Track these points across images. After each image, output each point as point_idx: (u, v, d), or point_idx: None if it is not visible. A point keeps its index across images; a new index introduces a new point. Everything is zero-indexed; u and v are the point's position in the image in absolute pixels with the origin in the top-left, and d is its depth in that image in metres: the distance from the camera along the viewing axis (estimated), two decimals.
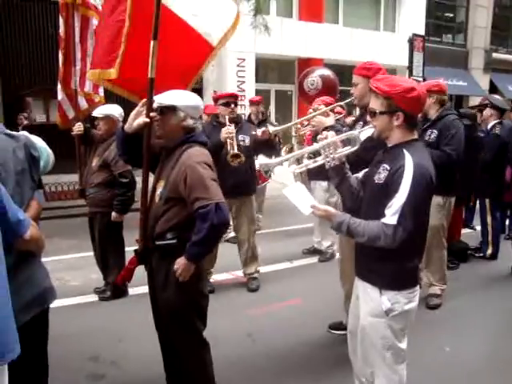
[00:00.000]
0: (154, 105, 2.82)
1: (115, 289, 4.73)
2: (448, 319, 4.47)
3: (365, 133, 3.00)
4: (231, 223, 4.96)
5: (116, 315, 4.48)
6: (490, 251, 6.25)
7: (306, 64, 13.67)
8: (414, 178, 2.26)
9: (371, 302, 2.50)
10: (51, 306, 2.34)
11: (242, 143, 4.71)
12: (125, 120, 3.06)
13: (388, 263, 2.41)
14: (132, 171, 4.59)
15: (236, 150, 4.38)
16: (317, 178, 5.79)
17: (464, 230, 6.88)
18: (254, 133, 4.83)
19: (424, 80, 15.55)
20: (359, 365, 2.74)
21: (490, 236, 6.26)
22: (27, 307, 2.06)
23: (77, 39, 5.47)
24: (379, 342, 2.49)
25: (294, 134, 4.97)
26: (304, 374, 3.53)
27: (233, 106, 4.84)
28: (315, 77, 6.54)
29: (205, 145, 2.88)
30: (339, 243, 4.02)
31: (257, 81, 14.95)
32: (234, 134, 4.45)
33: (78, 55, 5.49)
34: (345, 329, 3.25)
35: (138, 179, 3.33)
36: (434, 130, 4.51)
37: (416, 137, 2.49)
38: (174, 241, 2.71)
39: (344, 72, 12.03)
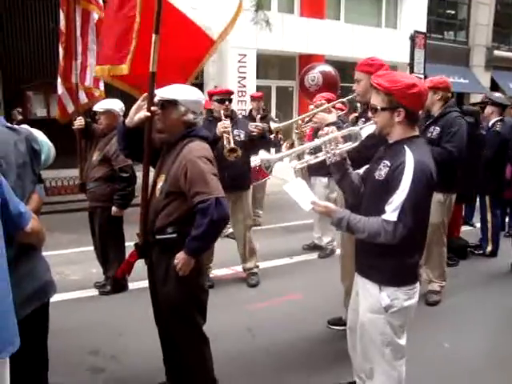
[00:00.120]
0: (156, 99, 2.81)
1: (115, 283, 4.74)
2: (447, 316, 4.48)
3: (367, 129, 3.00)
4: None
5: (116, 309, 4.49)
6: (489, 248, 6.26)
7: (307, 60, 13.66)
8: (415, 175, 2.26)
9: (370, 298, 2.50)
10: (51, 300, 2.35)
11: (237, 138, 4.69)
12: (126, 114, 3.06)
13: (388, 259, 2.41)
14: (132, 166, 4.59)
15: (233, 145, 4.38)
16: (317, 173, 5.79)
17: (464, 227, 6.89)
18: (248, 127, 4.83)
19: (425, 77, 15.52)
20: (358, 361, 2.75)
21: (489, 233, 6.26)
22: (28, 300, 2.07)
23: (78, 33, 5.46)
24: (378, 338, 2.49)
25: (295, 130, 4.97)
26: (303, 369, 3.54)
27: (227, 102, 4.82)
28: (316, 73, 6.53)
29: (206, 139, 2.88)
30: (341, 239, 4.02)
31: (258, 77, 14.93)
32: (230, 129, 4.45)
33: (79, 49, 5.48)
34: (344, 324, 3.27)
35: (139, 174, 3.33)
36: (437, 127, 4.51)
37: (417, 133, 2.49)
38: (175, 235, 2.71)
39: (345, 68, 12.04)
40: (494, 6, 20.51)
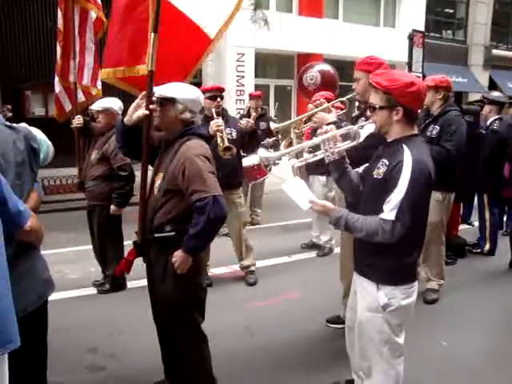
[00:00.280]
0: (154, 96, 2.82)
1: (114, 282, 4.75)
2: (445, 314, 4.49)
3: (367, 129, 3.00)
4: None
5: (115, 308, 4.49)
6: (487, 247, 6.27)
7: (306, 59, 13.67)
8: (413, 174, 2.25)
9: (368, 296, 2.50)
10: (50, 298, 2.35)
11: (229, 136, 4.68)
12: (124, 113, 3.06)
13: (386, 258, 2.41)
14: (131, 164, 4.59)
15: (227, 143, 4.37)
16: (315, 172, 5.79)
17: (462, 226, 6.91)
18: (239, 125, 4.83)
19: (424, 76, 15.55)
20: (357, 359, 2.75)
21: (487, 232, 6.28)
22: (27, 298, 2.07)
23: (76, 32, 5.46)
24: (376, 336, 2.49)
25: (295, 130, 4.97)
26: (302, 368, 3.55)
27: (219, 99, 4.79)
28: (314, 72, 6.55)
29: (204, 137, 2.89)
30: (341, 238, 4.02)
31: (256, 76, 14.92)
32: (223, 127, 4.43)
33: (77, 48, 5.48)
34: (342, 322, 3.27)
35: (137, 172, 3.34)
36: (436, 126, 4.52)
37: (416, 132, 2.48)
38: (173, 233, 2.72)
39: (344, 67, 12.06)
40: (492, 5, 20.53)
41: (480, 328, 4.22)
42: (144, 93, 2.84)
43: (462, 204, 6.56)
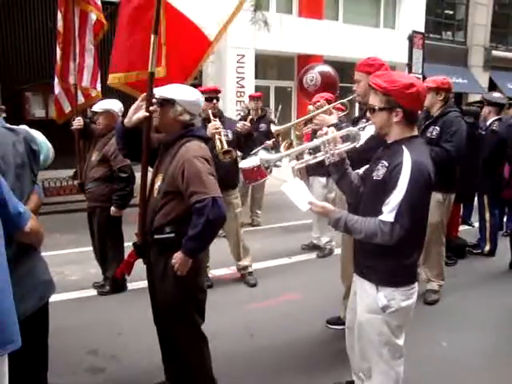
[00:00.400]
0: (155, 96, 2.83)
1: (114, 283, 4.74)
2: (445, 315, 4.48)
3: (368, 130, 2.99)
4: None
5: (115, 309, 4.49)
6: (487, 248, 6.27)
7: (306, 60, 13.67)
8: (412, 175, 2.25)
9: (368, 298, 2.50)
10: (50, 299, 2.35)
11: (225, 138, 4.68)
12: (124, 115, 3.07)
13: (386, 260, 2.41)
14: (131, 166, 4.59)
15: (226, 146, 4.36)
16: (315, 173, 5.80)
17: (462, 227, 6.91)
18: (236, 128, 4.81)
19: (424, 77, 15.56)
20: (357, 360, 2.75)
21: (487, 233, 6.28)
22: (28, 299, 2.07)
23: (75, 34, 5.47)
24: (376, 338, 2.49)
25: (297, 133, 4.97)
26: (302, 369, 3.55)
27: (215, 101, 4.78)
28: (315, 73, 6.54)
29: (203, 139, 2.89)
30: (342, 240, 4.02)
31: (256, 77, 14.93)
32: (221, 129, 4.42)
33: (77, 50, 5.49)
34: (343, 324, 3.27)
35: (138, 174, 3.34)
36: (436, 127, 4.52)
37: (416, 133, 2.47)
38: (172, 235, 2.72)
39: (344, 69, 12.05)
40: (491, 7, 20.54)
41: (480, 329, 4.21)
42: (144, 94, 2.85)
43: (462, 205, 6.57)
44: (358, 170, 2.74)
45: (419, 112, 2.77)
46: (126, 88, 3.46)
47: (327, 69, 6.91)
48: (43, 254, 2.30)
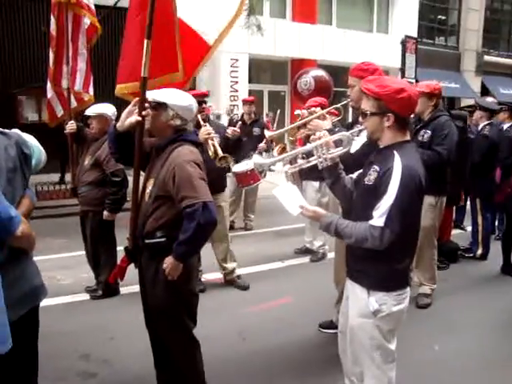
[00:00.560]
0: (149, 99, 2.83)
1: (107, 287, 4.73)
2: (437, 319, 4.50)
3: (364, 136, 3.00)
4: None
5: (107, 314, 4.48)
6: (480, 251, 6.30)
7: (300, 65, 13.75)
8: (402, 180, 2.25)
9: (359, 302, 2.50)
10: (43, 304, 2.34)
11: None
12: (117, 119, 3.07)
13: (377, 264, 2.41)
14: (124, 170, 4.58)
15: (221, 153, 4.34)
16: (308, 177, 5.81)
17: (454, 231, 6.94)
18: (226, 131, 4.80)
19: (417, 82, 15.64)
20: (349, 364, 2.75)
21: (480, 236, 6.31)
22: (19, 304, 2.06)
23: (69, 38, 5.47)
24: (367, 342, 2.49)
25: (290, 138, 4.97)
26: (295, 373, 3.55)
27: (204, 105, 4.77)
28: (309, 77, 6.58)
29: (195, 144, 2.89)
30: (335, 244, 4.02)
31: (250, 81, 14.98)
32: (213, 134, 4.40)
33: (70, 54, 5.49)
34: (335, 328, 3.27)
35: (131, 178, 3.34)
36: (428, 131, 4.56)
37: (408, 138, 2.47)
38: (163, 239, 2.71)
39: (337, 73, 12.10)
40: (483, 12, 20.74)
41: (472, 332, 4.23)
42: (137, 99, 2.85)
43: (454, 209, 6.61)
44: (351, 175, 2.74)
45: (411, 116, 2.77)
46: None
47: (321, 73, 6.95)
48: (35, 258, 2.29)
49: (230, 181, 7.25)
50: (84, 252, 4.99)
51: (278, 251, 6.47)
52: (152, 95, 2.81)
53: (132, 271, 3.00)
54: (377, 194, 2.32)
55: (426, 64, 18.37)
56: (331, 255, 4.53)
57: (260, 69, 16.27)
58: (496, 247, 6.23)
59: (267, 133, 4.54)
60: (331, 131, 3.22)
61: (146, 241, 2.77)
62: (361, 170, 2.66)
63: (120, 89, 3.36)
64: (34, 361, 2.35)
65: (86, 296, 4.88)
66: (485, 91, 20.09)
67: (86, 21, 5.59)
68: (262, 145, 6.41)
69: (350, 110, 3.95)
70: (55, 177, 9.44)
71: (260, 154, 6.15)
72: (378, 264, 2.40)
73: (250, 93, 13.78)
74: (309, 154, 2.78)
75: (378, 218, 2.29)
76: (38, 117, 11.68)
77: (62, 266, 5.76)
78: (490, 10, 21.41)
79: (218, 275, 5.47)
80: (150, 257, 2.80)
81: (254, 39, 11.68)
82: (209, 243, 4.34)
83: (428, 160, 3.99)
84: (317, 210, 2.53)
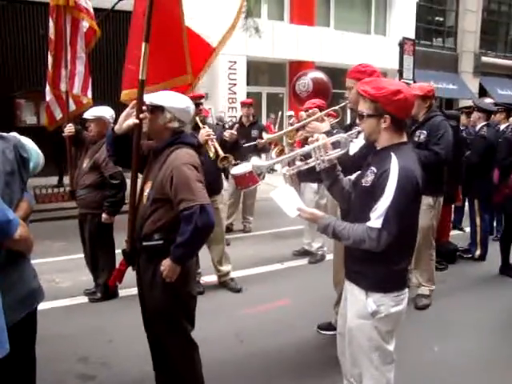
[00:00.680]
0: (146, 103, 2.83)
1: (105, 290, 4.73)
2: (436, 320, 4.50)
3: (362, 138, 3.00)
4: None
5: (106, 316, 4.47)
6: (478, 252, 6.31)
7: (298, 67, 13.74)
8: (399, 182, 2.25)
9: (357, 303, 2.50)
10: (41, 307, 2.34)
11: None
12: (116, 122, 3.07)
13: (374, 266, 2.41)
14: (122, 173, 4.59)
15: (222, 153, 4.35)
16: (307, 179, 5.81)
17: (453, 232, 6.95)
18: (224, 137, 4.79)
19: (414, 83, 15.64)
20: (348, 366, 2.75)
21: (478, 237, 6.32)
22: (17, 307, 2.06)
23: (67, 41, 5.48)
24: (366, 343, 2.49)
25: (289, 140, 4.98)
26: (293, 375, 3.55)
27: (201, 107, 4.78)
28: (307, 79, 6.57)
29: (193, 146, 2.90)
30: (334, 246, 4.03)
31: (248, 83, 14.99)
32: (213, 136, 4.41)
33: (68, 57, 5.50)
34: (334, 329, 3.27)
35: (128, 181, 3.34)
36: (423, 131, 4.58)
37: (405, 139, 2.47)
38: (161, 242, 2.72)
39: (335, 75, 12.09)
40: (480, 14, 20.79)
41: (471, 333, 4.24)
42: (134, 102, 2.86)
43: (452, 210, 6.62)
44: (349, 176, 2.75)
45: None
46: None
47: (320, 75, 6.94)
48: (34, 261, 2.29)
49: (229, 183, 7.28)
50: (83, 255, 4.98)
51: (277, 253, 6.47)
52: (149, 98, 2.82)
53: (131, 274, 3.00)
54: (374, 196, 2.32)
55: (424, 65, 18.40)
56: (330, 257, 4.54)
57: (258, 71, 16.29)
58: (494, 248, 6.23)
59: (265, 135, 4.53)
60: (329, 133, 3.22)
61: (144, 243, 2.77)
62: (359, 172, 2.67)
63: (125, 95, 3.36)
64: (31, 364, 2.35)
65: (85, 299, 4.87)
66: (483, 92, 20.12)
67: (85, 24, 5.60)
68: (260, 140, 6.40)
69: (349, 111, 3.96)
70: (54, 180, 9.43)
71: (258, 156, 6.15)
72: (376, 265, 2.41)
73: (248, 95, 13.77)
74: (307, 156, 2.78)
75: (375, 219, 2.29)
76: (36, 120, 11.67)
77: (60, 268, 5.76)
78: (487, 11, 21.48)
79: (215, 277, 5.48)
80: (148, 259, 2.80)
81: (251, 41, 11.69)
82: (206, 245, 4.33)
83: (425, 160, 4.01)
84: (314, 212, 2.54)
